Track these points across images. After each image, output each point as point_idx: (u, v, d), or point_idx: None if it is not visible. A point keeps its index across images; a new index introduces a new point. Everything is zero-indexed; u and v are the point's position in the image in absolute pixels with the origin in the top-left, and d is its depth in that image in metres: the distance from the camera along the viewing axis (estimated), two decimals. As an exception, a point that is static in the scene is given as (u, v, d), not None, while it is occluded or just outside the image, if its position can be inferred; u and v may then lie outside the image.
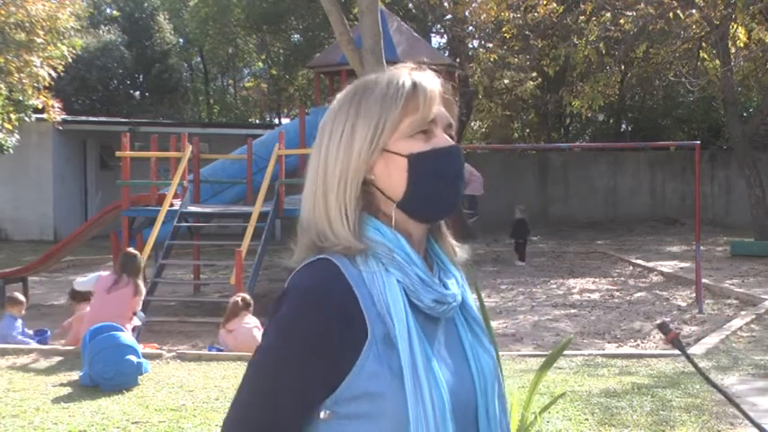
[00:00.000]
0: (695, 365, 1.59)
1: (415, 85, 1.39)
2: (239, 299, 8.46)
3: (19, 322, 8.89)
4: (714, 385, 1.61)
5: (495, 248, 17.01)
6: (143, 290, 8.48)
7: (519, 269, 14.97)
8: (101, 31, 27.50)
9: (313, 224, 1.38)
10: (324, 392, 1.31)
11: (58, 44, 14.08)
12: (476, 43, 23.36)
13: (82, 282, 8.89)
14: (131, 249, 8.96)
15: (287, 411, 1.32)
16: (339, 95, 1.45)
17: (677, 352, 8.55)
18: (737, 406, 1.68)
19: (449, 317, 1.42)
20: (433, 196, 1.38)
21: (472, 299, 1.50)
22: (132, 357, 7.04)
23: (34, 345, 8.61)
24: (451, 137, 1.43)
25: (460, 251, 1.50)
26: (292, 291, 1.34)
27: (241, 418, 1.34)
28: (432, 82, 1.42)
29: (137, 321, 8.56)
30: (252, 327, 8.27)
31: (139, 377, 7.06)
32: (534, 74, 19.98)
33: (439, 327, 1.40)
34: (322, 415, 1.33)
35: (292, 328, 1.31)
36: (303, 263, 1.37)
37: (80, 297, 8.88)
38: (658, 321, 1.70)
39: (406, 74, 1.41)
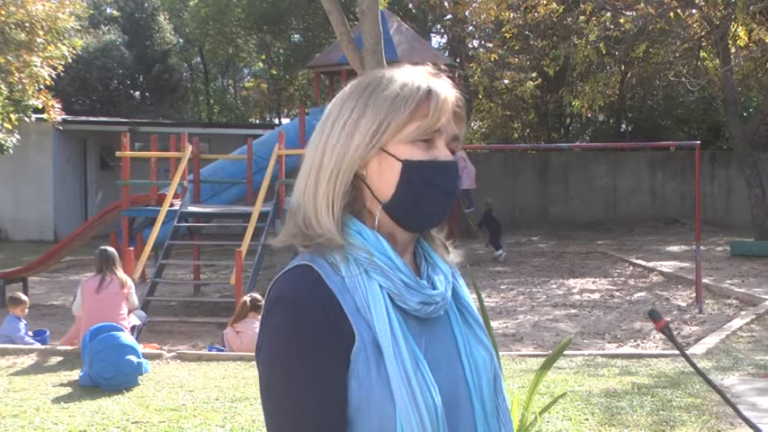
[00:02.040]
0: (683, 353, 1.59)
1: (429, 92, 1.36)
2: (248, 299, 8.37)
3: (22, 323, 8.86)
4: (699, 371, 1.61)
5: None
6: (129, 281, 8.45)
7: (519, 269, 14.96)
8: (101, 32, 27.50)
9: (302, 207, 1.37)
10: (344, 392, 1.29)
11: (59, 44, 14.09)
12: (476, 43, 23.39)
13: (76, 304, 8.55)
14: (103, 246, 8.83)
15: (326, 425, 1.28)
16: (353, 82, 1.41)
17: (678, 352, 8.52)
18: (721, 392, 1.68)
19: (439, 314, 1.39)
20: (419, 206, 1.35)
21: (466, 290, 1.48)
22: (132, 357, 7.04)
23: (36, 345, 8.60)
24: (453, 151, 1.40)
25: (454, 255, 1.48)
26: (277, 304, 1.32)
27: None
28: (447, 92, 1.38)
29: (136, 320, 8.55)
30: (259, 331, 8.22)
31: (139, 377, 7.06)
32: (534, 74, 19.98)
33: (428, 324, 1.37)
34: None
35: (288, 347, 1.29)
36: (283, 269, 1.35)
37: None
38: (650, 309, 1.69)
39: (423, 78, 1.38)
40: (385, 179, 1.35)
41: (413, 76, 1.38)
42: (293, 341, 1.29)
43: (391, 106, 1.34)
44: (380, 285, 1.32)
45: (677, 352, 8.09)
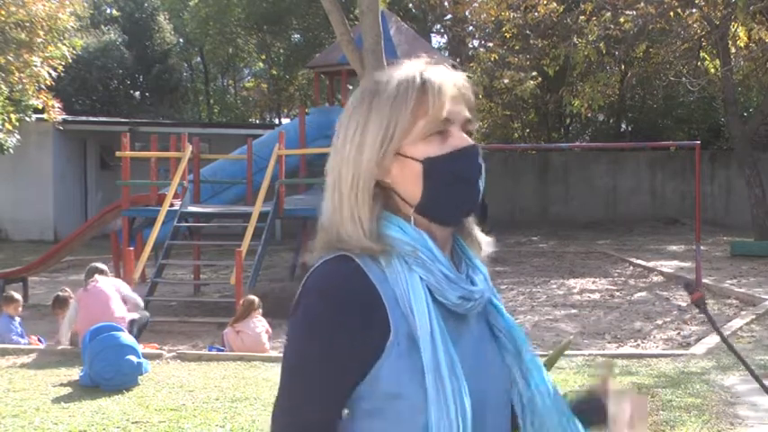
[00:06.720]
0: (714, 326, 1.60)
1: (424, 85, 1.34)
2: (248, 300, 8.47)
3: (17, 321, 8.85)
4: (730, 346, 1.62)
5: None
6: (120, 282, 8.59)
7: (519, 269, 14.95)
8: (101, 31, 27.50)
9: (333, 225, 1.35)
10: (354, 390, 1.30)
11: (59, 44, 14.10)
12: (476, 43, 23.39)
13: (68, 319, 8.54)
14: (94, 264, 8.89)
15: (327, 412, 1.30)
16: (355, 94, 1.41)
17: (678, 352, 8.50)
18: (747, 365, 1.69)
19: (478, 312, 1.39)
20: (450, 200, 1.34)
21: (499, 298, 1.47)
22: (132, 357, 7.04)
23: (33, 345, 8.59)
24: (470, 132, 1.37)
25: (486, 245, 1.46)
26: (312, 290, 1.30)
27: (286, 423, 1.33)
28: (443, 77, 1.36)
29: (134, 316, 8.58)
30: (260, 331, 8.27)
31: (139, 377, 7.06)
32: (534, 73, 19.98)
33: (466, 324, 1.37)
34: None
35: (317, 330, 1.29)
36: (321, 260, 1.34)
37: (61, 304, 8.81)
38: (685, 281, 1.71)
39: (416, 71, 1.36)
40: (410, 182, 1.34)
41: (406, 73, 1.36)
42: (316, 325, 1.29)
43: (391, 109, 1.33)
44: (421, 278, 1.31)
45: (677, 352, 8.09)
